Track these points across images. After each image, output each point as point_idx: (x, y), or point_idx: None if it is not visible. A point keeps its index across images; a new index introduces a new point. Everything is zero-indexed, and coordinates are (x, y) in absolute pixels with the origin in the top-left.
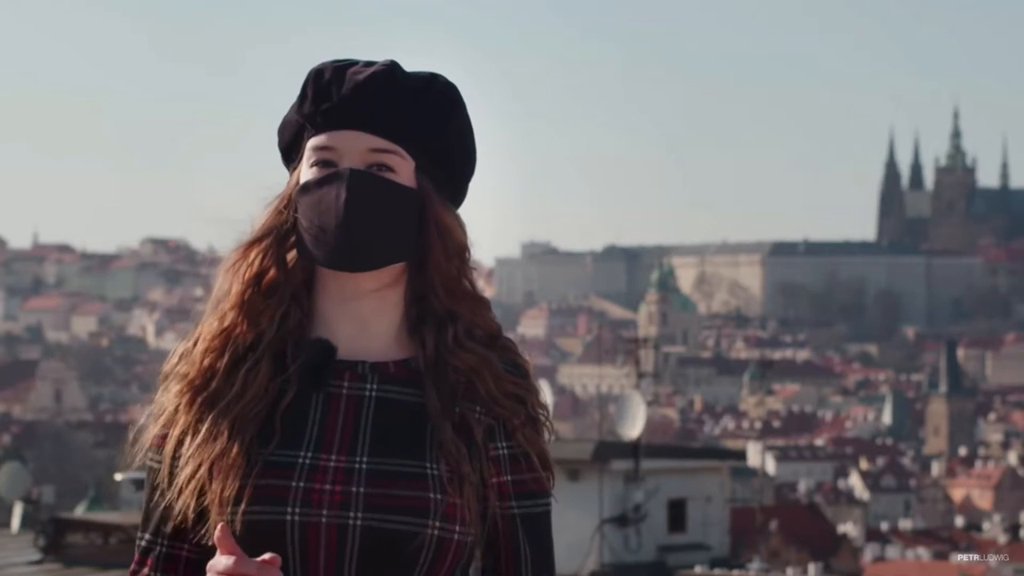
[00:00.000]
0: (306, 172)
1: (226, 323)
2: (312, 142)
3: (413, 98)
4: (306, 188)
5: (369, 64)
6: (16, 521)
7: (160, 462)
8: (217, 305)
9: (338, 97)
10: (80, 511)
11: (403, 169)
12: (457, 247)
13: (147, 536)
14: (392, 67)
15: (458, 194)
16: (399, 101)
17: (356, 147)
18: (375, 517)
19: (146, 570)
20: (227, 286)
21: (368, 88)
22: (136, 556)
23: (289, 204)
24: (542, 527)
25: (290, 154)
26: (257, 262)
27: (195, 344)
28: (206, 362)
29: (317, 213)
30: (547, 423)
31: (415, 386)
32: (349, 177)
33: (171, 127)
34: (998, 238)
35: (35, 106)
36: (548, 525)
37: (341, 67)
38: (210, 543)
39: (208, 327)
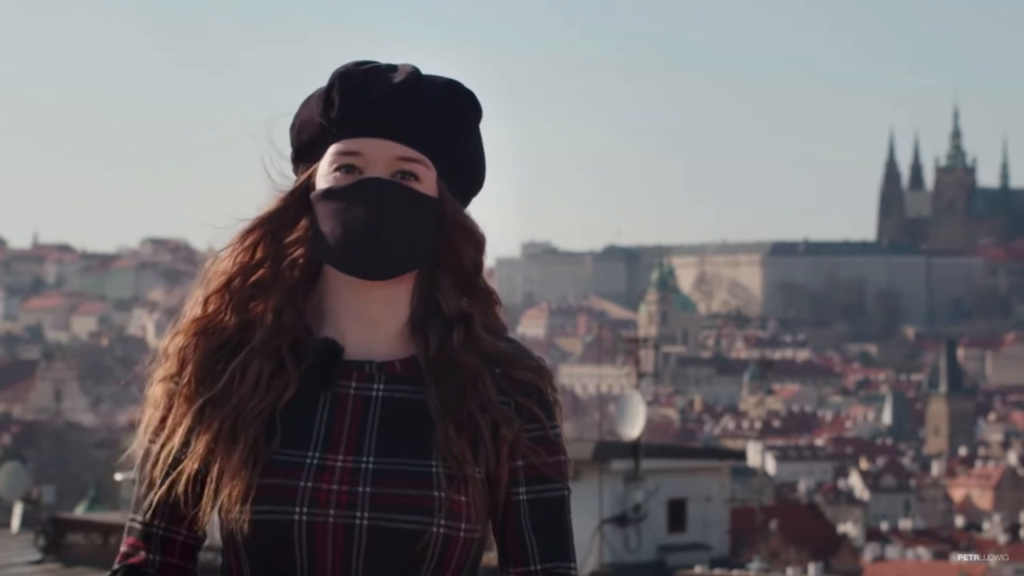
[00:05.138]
0: (327, 176)
1: (210, 309)
2: (337, 147)
3: (438, 106)
4: (330, 194)
5: (392, 68)
6: (16, 521)
7: (156, 448)
8: (204, 286)
9: (368, 104)
10: (80, 511)
11: (427, 178)
12: (478, 244)
13: (142, 519)
14: (417, 74)
15: (468, 200)
16: (425, 110)
17: (384, 155)
18: (381, 516)
19: (142, 553)
20: (219, 268)
21: (397, 96)
22: (128, 539)
23: (296, 201)
24: (554, 512)
25: (303, 154)
26: (248, 252)
27: (181, 331)
28: (195, 353)
29: (342, 221)
30: (559, 408)
31: (421, 384)
32: (379, 188)
33: (171, 127)
34: (998, 238)
35: (36, 106)
36: (562, 510)
37: (366, 71)
38: (198, 534)
39: (192, 312)
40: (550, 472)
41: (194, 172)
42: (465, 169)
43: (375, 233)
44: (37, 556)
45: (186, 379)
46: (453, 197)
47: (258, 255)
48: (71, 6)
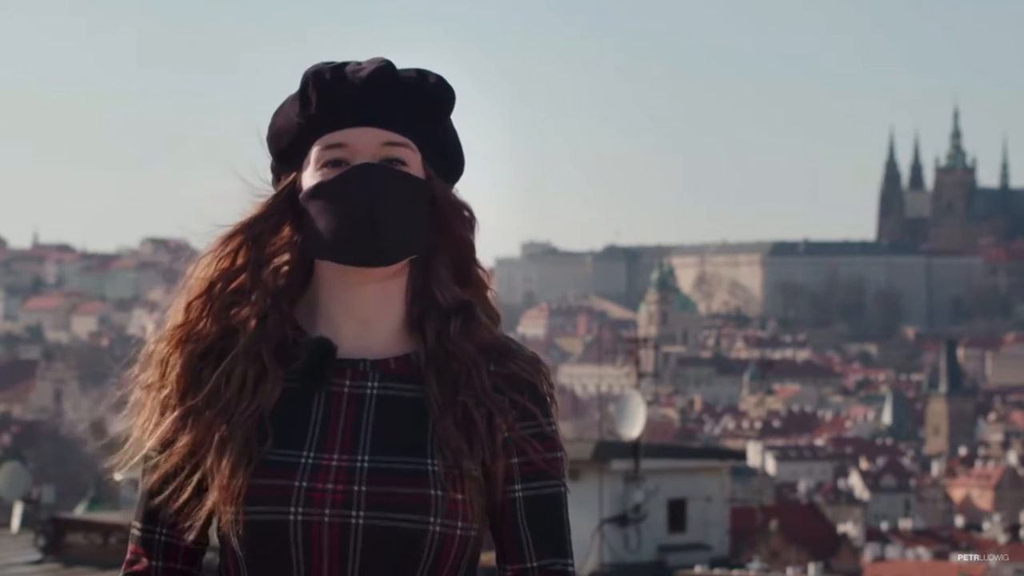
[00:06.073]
0: (313, 174)
1: (192, 315)
2: (321, 142)
3: (413, 91)
4: (320, 189)
5: (361, 63)
6: (16, 521)
7: (153, 456)
8: (187, 292)
9: (346, 95)
10: (80, 511)
11: (413, 161)
12: (469, 222)
13: (144, 526)
14: (389, 63)
15: (453, 183)
16: (402, 95)
17: (369, 143)
18: (377, 515)
19: (145, 560)
20: (200, 274)
21: (373, 84)
22: (131, 547)
23: (279, 207)
24: (550, 509)
25: (286, 160)
26: (229, 258)
27: (164, 338)
28: (179, 360)
29: (337, 212)
30: (554, 403)
31: (416, 382)
32: (370, 173)
33: (171, 127)
34: (998, 238)
35: (35, 107)
36: (558, 507)
37: (338, 67)
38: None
39: (174, 319)
40: (547, 468)
41: (194, 172)
42: (447, 152)
43: (372, 218)
44: (37, 556)
45: (171, 387)
46: (442, 181)
47: (239, 261)
48: (71, 6)
